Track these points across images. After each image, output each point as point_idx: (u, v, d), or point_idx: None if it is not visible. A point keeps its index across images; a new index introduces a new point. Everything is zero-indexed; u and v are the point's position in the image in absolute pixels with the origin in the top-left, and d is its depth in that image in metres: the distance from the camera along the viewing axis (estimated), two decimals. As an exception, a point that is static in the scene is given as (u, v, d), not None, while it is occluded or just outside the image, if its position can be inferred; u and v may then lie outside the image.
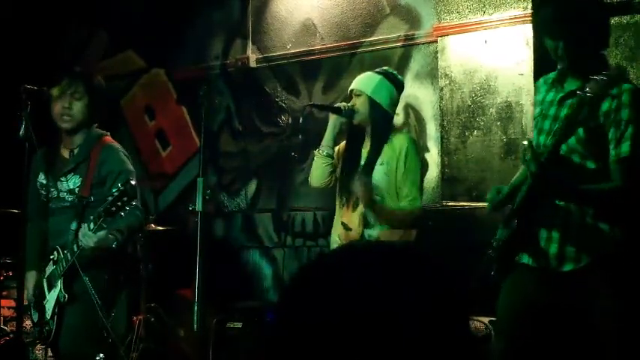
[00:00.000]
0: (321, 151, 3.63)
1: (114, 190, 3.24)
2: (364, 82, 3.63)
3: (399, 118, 5.15)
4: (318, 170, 3.65)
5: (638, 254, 2.62)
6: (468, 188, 4.60)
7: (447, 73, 4.69)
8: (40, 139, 3.53)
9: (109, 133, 3.77)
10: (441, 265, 0.95)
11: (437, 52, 4.81)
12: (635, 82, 4.21)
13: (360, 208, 3.51)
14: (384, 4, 5.22)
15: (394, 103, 3.68)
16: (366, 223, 3.51)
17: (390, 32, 5.18)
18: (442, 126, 4.74)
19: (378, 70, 3.72)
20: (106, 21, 6.55)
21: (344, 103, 3.61)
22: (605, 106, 2.55)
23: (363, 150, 3.62)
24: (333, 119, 3.62)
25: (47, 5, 6.40)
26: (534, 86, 3.26)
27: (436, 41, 4.82)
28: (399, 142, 3.55)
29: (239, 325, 4.66)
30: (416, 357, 0.87)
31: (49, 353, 3.72)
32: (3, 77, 5.63)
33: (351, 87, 3.67)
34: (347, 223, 3.56)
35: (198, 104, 3.67)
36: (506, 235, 2.75)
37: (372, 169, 3.52)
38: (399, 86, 3.69)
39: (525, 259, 2.77)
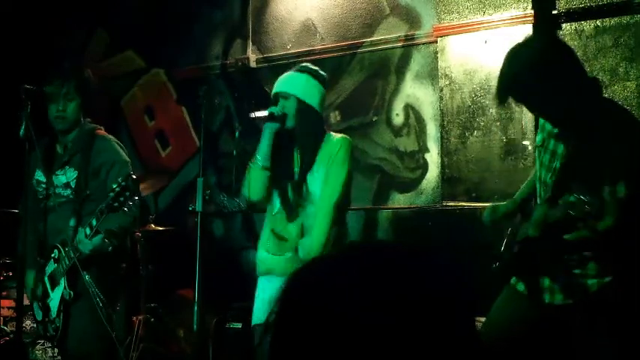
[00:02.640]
0: (256, 163, 3.36)
1: (114, 186, 3.23)
2: (290, 83, 3.37)
3: (398, 119, 5.16)
4: (257, 183, 3.36)
5: (636, 289, 2.62)
6: (468, 189, 4.60)
7: (447, 73, 4.69)
8: (40, 139, 3.54)
9: (102, 127, 3.78)
10: (450, 264, 0.94)
11: (437, 53, 4.81)
12: (635, 82, 4.21)
13: (301, 218, 3.28)
14: (384, 5, 5.22)
15: (323, 102, 3.43)
16: (304, 232, 3.27)
17: (390, 32, 5.17)
18: (442, 126, 4.73)
19: (299, 68, 3.46)
20: (106, 21, 6.55)
21: (273, 108, 3.35)
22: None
23: (295, 154, 3.37)
24: (267, 128, 3.33)
25: (47, 5, 6.40)
26: None
27: (436, 41, 4.81)
28: (333, 147, 3.31)
29: (239, 325, 4.66)
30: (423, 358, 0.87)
31: (49, 353, 3.71)
32: (3, 77, 5.63)
33: (275, 90, 3.41)
34: (280, 233, 3.32)
35: (198, 104, 3.67)
36: (506, 259, 2.76)
37: (305, 177, 3.29)
38: (324, 83, 3.44)
39: (521, 287, 2.79)
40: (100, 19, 6.56)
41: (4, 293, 5.13)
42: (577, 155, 2.57)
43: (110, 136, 3.74)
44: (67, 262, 3.43)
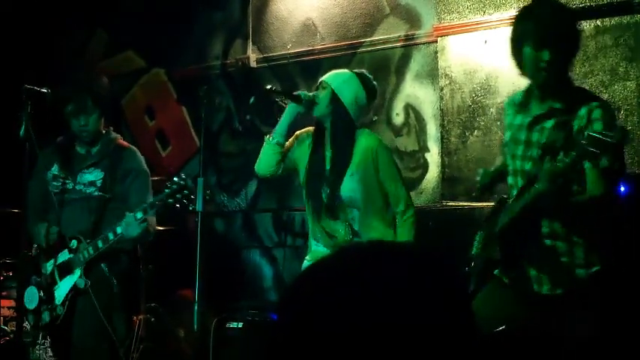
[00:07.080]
0: (271, 139, 3.43)
1: (175, 180, 3.36)
2: (333, 76, 3.47)
3: (398, 118, 5.16)
4: (266, 158, 3.46)
5: (623, 279, 2.62)
6: (468, 188, 4.60)
7: (447, 73, 4.69)
8: (41, 139, 3.55)
9: (122, 137, 3.96)
10: (449, 263, 0.95)
11: (437, 52, 4.81)
12: (635, 81, 4.21)
13: (345, 216, 3.38)
14: (384, 4, 5.22)
15: (359, 105, 3.44)
16: (353, 232, 3.38)
17: (390, 32, 5.17)
18: (442, 126, 4.74)
19: (355, 70, 3.58)
20: (106, 21, 6.55)
21: (304, 92, 3.46)
22: (576, 125, 2.55)
23: (326, 153, 3.45)
24: (290, 107, 3.42)
25: (47, 5, 6.39)
26: (503, 108, 3.19)
27: (436, 41, 4.82)
28: (365, 145, 3.37)
29: (239, 325, 4.66)
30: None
31: (50, 353, 3.71)
32: (3, 77, 5.63)
33: (321, 78, 3.52)
34: (329, 231, 3.44)
35: (198, 104, 3.67)
36: (484, 254, 2.77)
37: (340, 180, 3.35)
38: (370, 91, 3.50)
39: (504, 278, 2.79)
40: (100, 19, 6.56)
41: (4, 293, 5.13)
42: (556, 136, 2.60)
43: (133, 147, 3.92)
44: (91, 252, 3.50)
